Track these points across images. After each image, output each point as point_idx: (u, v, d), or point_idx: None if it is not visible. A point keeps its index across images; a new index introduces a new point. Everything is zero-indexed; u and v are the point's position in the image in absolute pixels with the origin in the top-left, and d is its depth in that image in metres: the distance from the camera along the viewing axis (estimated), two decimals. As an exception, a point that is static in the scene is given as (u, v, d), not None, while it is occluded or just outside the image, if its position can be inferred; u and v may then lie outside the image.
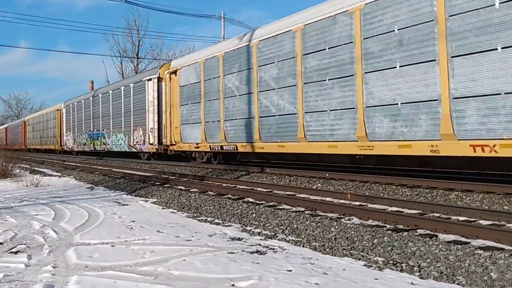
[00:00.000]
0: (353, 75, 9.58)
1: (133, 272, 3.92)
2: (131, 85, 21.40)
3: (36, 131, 42.29)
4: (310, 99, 10.70)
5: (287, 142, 11.44)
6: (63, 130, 33.06)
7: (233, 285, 3.55)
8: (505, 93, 7.01)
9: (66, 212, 7.21)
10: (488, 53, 7.21)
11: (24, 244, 5.05)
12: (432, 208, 6.46)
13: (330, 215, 6.41)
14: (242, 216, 6.74)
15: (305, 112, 10.79)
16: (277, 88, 11.72)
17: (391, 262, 4.17)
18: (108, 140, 24.37)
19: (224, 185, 10.28)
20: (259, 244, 4.91)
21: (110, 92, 24.24)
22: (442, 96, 7.86)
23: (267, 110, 12.12)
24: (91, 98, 27.30)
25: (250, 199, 8.16)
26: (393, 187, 8.73)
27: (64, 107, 32.95)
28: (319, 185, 9.90)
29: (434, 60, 7.99)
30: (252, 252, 4.54)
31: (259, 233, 5.57)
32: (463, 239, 4.78)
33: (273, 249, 4.70)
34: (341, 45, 9.89)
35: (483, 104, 7.31)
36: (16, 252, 4.68)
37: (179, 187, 10.34)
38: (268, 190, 9.24)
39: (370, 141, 9.24)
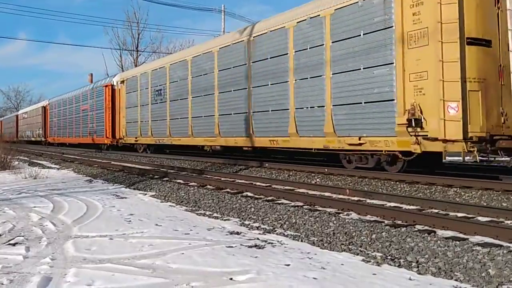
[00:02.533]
0: None
1: (131, 265, 3.91)
2: None
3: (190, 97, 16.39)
4: None
5: None
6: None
7: (231, 278, 3.55)
8: None
9: (65, 205, 7.20)
10: None
11: (23, 236, 5.04)
12: (430, 204, 6.47)
13: (328, 210, 6.42)
14: (240, 210, 6.74)
15: None
16: None
17: (389, 257, 4.18)
18: None
19: (223, 179, 10.28)
20: (258, 239, 4.91)
21: None
22: None
23: None
24: None
25: (249, 194, 8.16)
26: (392, 182, 8.73)
27: None
28: (318, 180, 9.90)
29: None
30: (250, 246, 4.54)
31: (257, 228, 5.58)
32: (461, 236, 4.78)
33: (272, 243, 4.70)
34: None
35: None
36: (14, 244, 4.68)
37: (178, 180, 10.33)
38: (267, 184, 9.24)
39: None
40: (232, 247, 4.50)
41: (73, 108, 29.99)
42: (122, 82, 22.59)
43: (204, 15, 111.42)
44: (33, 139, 41.14)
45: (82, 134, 28.25)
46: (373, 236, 4.90)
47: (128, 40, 43.53)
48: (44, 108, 37.75)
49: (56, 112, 34.47)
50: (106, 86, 24.40)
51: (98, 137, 25.41)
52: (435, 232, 4.98)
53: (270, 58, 12.28)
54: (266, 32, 12.50)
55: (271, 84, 12.26)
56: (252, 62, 12.97)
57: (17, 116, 51.41)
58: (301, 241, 4.88)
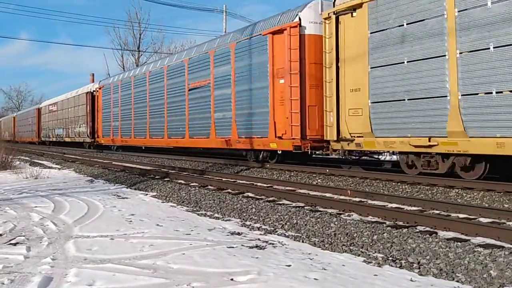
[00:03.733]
0: None
1: (132, 265, 3.91)
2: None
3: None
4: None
5: None
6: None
7: (232, 279, 3.55)
8: None
9: (66, 205, 7.21)
10: None
11: (24, 236, 5.04)
12: (432, 205, 6.46)
13: (330, 210, 6.41)
14: (241, 210, 6.74)
15: None
16: None
17: (390, 258, 4.17)
18: None
19: (224, 179, 10.27)
20: (259, 239, 4.91)
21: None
22: None
23: None
24: None
25: (250, 194, 8.15)
26: (393, 183, 8.72)
27: None
28: (319, 180, 9.89)
29: None
30: (251, 247, 4.53)
31: (258, 228, 5.57)
32: (463, 237, 4.77)
33: (273, 244, 4.69)
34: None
35: None
36: (15, 244, 4.68)
37: (179, 181, 10.33)
38: (268, 185, 9.23)
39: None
40: (233, 247, 4.50)
41: (163, 87, 17.44)
42: (349, 10, 9.58)
43: (205, 15, 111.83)
44: (67, 139, 29.73)
45: (194, 131, 15.49)
46: (374, 237, 4.89)
47: (130, 40, 43.24)
48: (92, 94, 25.21)
49: (118, 98, 21.82)
50: (274, 32, 11.48)
51: (247, 138, 12.73)
52: (436, 233, 4.97)
53: None
54: None
55: None
56: None
57: (38, 109, 38.91)
58: (302, 241, 4.87)
